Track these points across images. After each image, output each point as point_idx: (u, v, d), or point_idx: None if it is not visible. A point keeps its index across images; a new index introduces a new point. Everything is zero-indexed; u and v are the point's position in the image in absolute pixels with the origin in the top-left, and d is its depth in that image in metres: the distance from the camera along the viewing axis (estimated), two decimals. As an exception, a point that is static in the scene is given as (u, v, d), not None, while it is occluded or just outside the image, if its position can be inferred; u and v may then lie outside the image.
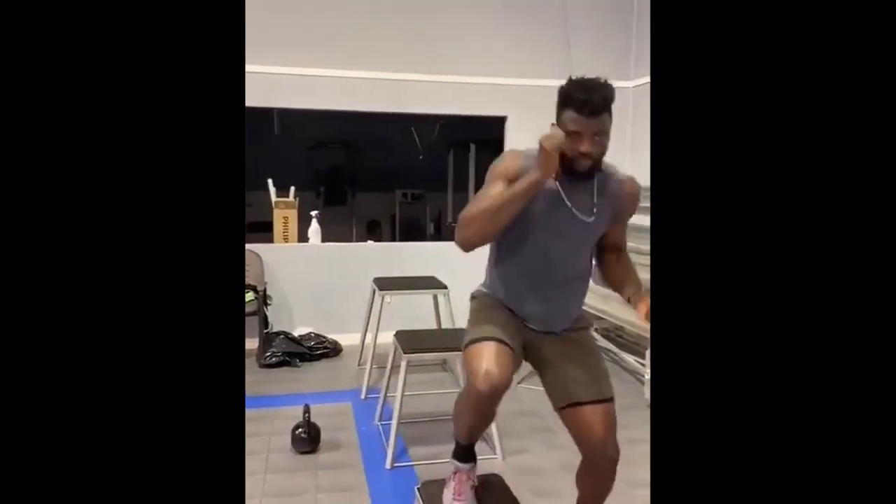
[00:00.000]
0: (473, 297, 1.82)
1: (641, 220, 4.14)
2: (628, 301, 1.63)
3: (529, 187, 1.51)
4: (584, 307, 1.77)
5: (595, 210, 1.62)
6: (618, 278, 1.71)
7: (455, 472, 1.81)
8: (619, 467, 2.52)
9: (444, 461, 2.06)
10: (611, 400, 1.69)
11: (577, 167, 1.53)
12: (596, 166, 1.57)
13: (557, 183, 1.58)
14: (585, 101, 1.48)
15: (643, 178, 4.57)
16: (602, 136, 1.52)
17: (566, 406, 1.68)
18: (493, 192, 1.57)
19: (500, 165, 1.63)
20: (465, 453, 1.83)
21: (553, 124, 1.56)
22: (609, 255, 1.75)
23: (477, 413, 1.67)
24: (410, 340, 2.71)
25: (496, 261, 1.74)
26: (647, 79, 4.56)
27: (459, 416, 1.75)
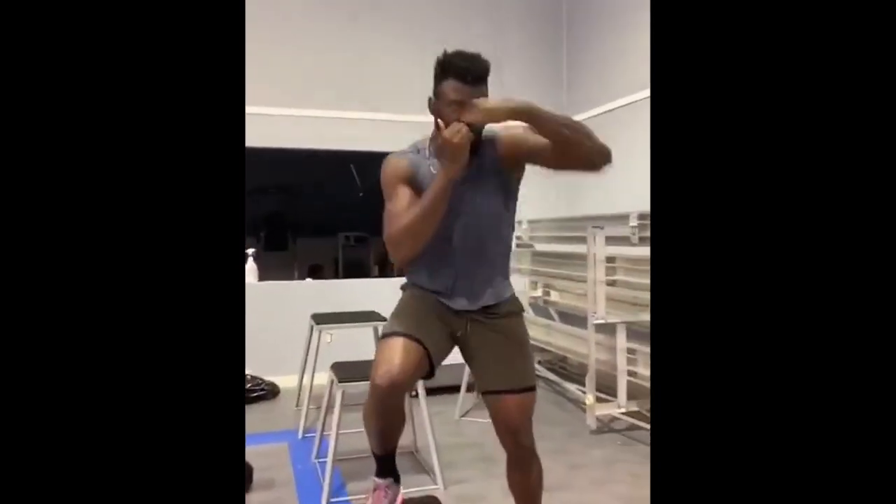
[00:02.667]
0: (403, 288, 1.81)
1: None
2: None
3: (447, 187, 1.51)
4: (527, 334, 1.77)
5: (486, 181, 1.64)
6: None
7: (374, 489, 1.74)
8: (562, 493, 2.52)
9: None
10: (529, 389, 1.70)
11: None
12: (479, 137, 1.57)
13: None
14: (467, 68, 1.50)
15: (577, 207, 4.63)
16: None
17: (485, 392, 1.71)
18: (404, 202, 1.58)
19: (390, 173, 1.64)
20: (383, 467, 1.77)
21: (430, 98, 1.59)
22: (552, 153, 1.61)
23: (379, 412, 1.63)
24: (347, 370, 2.63)
25: None
26: (579, 117, 4.73)
27: (367, 420, 1.72)
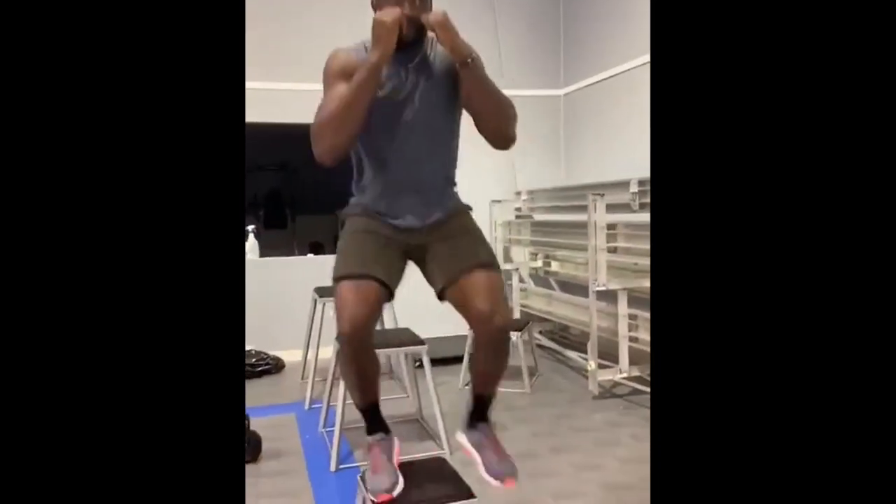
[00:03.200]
0: (344, 218, 1.73)
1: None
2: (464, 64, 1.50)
3: (372, 71, 1.44)
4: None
5: (435, 88, 1.58)
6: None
7: (369, 449, 1.74)
8: (567, 455, 2.56)
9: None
10: (490, 266, 1.62)
11: (405, 36, 1.48)
12: (421, 33, 1.53)
13: (389, 64, 1.53)
14: None
15: (577, 176, 4.63)
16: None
17: (447, 285, 1.61)
18: (336, 93, 1.49)
19: (333, 65, 1.56)
20: (371, 420, 1.75)
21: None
22: None
23: (351, 356, 1.60)
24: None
25: (360, 160, 1.68)
26: (576, 86, 4.71)
27: (344, 373, 1.69)
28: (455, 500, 1.66)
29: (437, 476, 1.77)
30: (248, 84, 4.19)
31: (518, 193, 4.74)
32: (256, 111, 4.31)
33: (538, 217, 4.56)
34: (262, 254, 4.42)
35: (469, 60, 1.49)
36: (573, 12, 4.80)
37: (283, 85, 4.32)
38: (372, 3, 1.59)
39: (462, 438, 1.78)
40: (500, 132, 1.62)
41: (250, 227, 4.37)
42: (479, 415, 1.76)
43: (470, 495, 1.66)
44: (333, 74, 1.54)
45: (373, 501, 1.60)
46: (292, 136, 6.60)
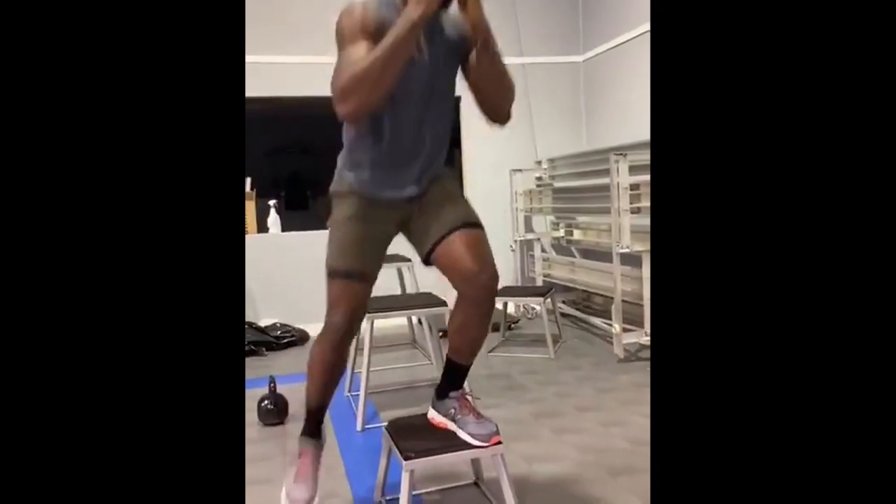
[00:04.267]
0: (333, 196, 1.68)
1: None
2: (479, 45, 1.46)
3: (413, 29, 1.33)
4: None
5: (442, 47, 1.53)
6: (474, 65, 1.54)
7: (300, 455, 1.74)
8: (592, 413, 2.55)
9: (417, 413, 2.01)
10: (474, 225, 1.59)
11: None
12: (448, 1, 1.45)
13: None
14: None
15: (598, 143, 4.57)
16: None
17: (432, 247, 1.59)
18: (362, 51, 1.39)
19: (352, 20, 1.43)
20: (312, 425, 1.77)
21: None
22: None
23: (334, 348, 1.64)
24: (374, 303, 2.67)
25: (367, 130, 1.58)
26: (595, 51, 4.63)
27: (315, 363, 1.71)
28: (482, 447, 1.64)
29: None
30: (265, 58, 4.20)
31: (539, 162, 4.70)
32: (276, 85, 4.33)
33: (559, 184, 4.52)
34: (284, 228, 4.44)
35: (490, 39, 1.45)
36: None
37: (296, 58, 4.31)
38: None
39: (433, 413, 1.71)
40: (501, 110, 1.60)
41: (272, 202, 4.39)
42: (452, 384, 1.69)
43: (497, 442, 1.62)
44: (353, 31, 1.44)
45: (391, 449, 1.62)
46: (313, 118, 6.60)
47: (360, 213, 1.62)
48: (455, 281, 1.59)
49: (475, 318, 1.61)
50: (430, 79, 1.53)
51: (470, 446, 1.63)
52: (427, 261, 1.63)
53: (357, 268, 1.60)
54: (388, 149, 1.57)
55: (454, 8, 1.47)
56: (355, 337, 1.64)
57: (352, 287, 1.60)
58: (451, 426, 1.66)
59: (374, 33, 1.41)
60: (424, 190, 1.64)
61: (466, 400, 1.68)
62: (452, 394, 1.68)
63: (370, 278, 1.64)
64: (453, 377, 1.69)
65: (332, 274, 1.62)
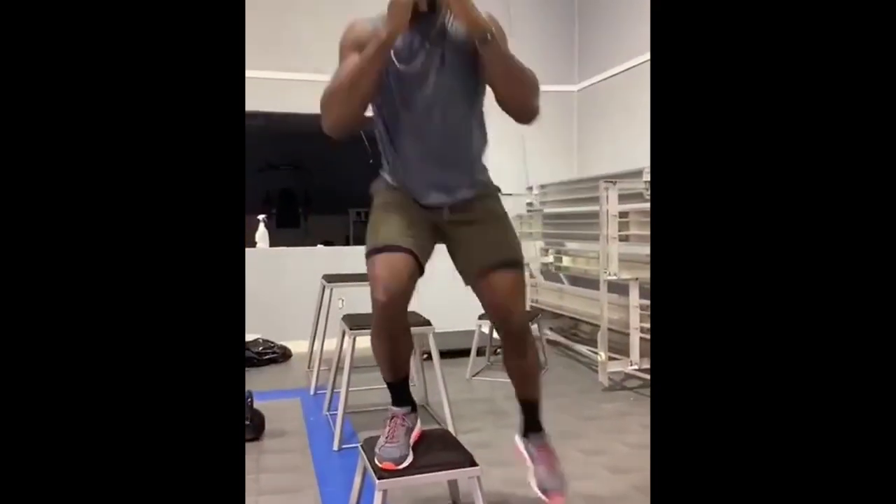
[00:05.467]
0: (373, 193, 1.72)
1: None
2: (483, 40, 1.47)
3: (381, 47, 1.42)
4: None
5: (442, 53, 1.53)
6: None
7: (391, 417, 1.72)
8: (576, 441, 2.51)
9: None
10: (516, 265, 1.65)
11: (420, 6, 1.44)
12: (437, 3, 1.49)
13: (406, 37, 1.50)
14: None
15: (589, 172, 4.59)
16: None
17: (475, 277, 1.65)
18: (346, 65, 1.49)
19: (349, 37, 1.54)
20: (397, 395, 1.74)
21: None
22: None
23: (386, 329, 1.60)
24: (356, 321, 2.64)
25: (383, 137, 1.65)
26: (590, 81, 4.68)
27: (375, 345, 1.68)
28: (458, 468, 1.62)
29: (441, 444, 1.73)
30: (265, 74, 4.22)
31: (530, 188, 4.71)
32: (272, 101, 4.33)
33: (549, 210, 4.52)
34: (273, 244, 4.41)
35: (488, 36, 1.45)
36: (588, 9, 4.79)
37: (305, 76, 4.33)
38: None
39: (518, 443, 1.85)
40: (524, 107, 1.59)
41: (261, 217, 4.37)
42: (530, 423, 1.81)
43: (472, 463, 1.62)
44: (347, 46, 1.53)
45: (377, 467, 1.57)
46: (305, 136, 6.61)
47: (394, 199, 1.65)
48: (491, 319, 1.72)
49: (513, 354, 1.74)
50: (436, 85, 1.54)
51: (446, 467, 1.60)
52: (466, 282, 1.71)
53: (388, 241, 1.56)
54: (407, 155, 1.62)
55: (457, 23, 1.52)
56: (405, 308, 1.57)
57: (385, 259, 1.53)
58: (528, 463, 1.79)
59: (363, 49, 1.46)
60: (462, 204, 1.65)
61: (547, 447, 1.79)
62: (533, 437, 1.80)
63: (406, 249, 1.55)
64: (525, 413, 1.82)
65: (367, 255, 1.59)
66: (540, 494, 1.69)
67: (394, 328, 1.61)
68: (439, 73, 1.54)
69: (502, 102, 1.57)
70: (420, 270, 1.59)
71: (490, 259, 1.62)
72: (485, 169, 1.73)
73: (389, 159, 1.67)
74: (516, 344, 1.71)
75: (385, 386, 1.75)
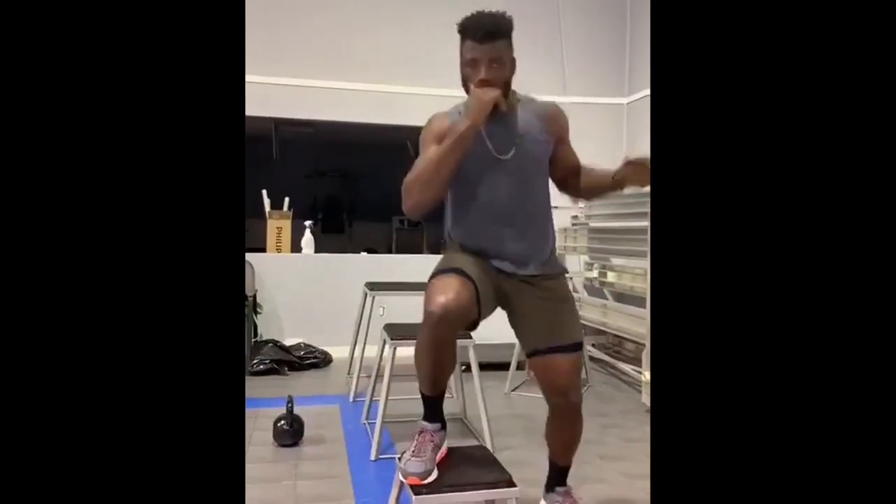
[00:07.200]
0: (442, 245, 1.84)
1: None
2: (613, 179, 1.70)
3: (461, 139, 1.54)
4: (581, 319, 1.76)
5: (517, 143, 1.64)
6: (590, 181, 1.77)
7: (420, 432, 1.71)
8: (617, 464, 2.44)
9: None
10: (574, 347, 1.73)
11: (500, 106, 1.56)
12: (510, 99, 1.61)
13: (483, 129, 1.60)
14: (477, 27, 1.56)
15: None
16: (499, 63, 1.57)
17: (531, 354, 1.74)
18: (427, 155, 1.61)
19: (430, 130, 1.67)
20: (430, 411, 1.74)
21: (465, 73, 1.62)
22: (572, 178, 1.79)
23: (432, 344, 1.60)
24: (397, 330, 2.64)
25: (452, 212, 1.76)
26: (641, 94, 4.60)
27: (419, 357, 1.68)
28: (496, 487, 1.59)
29: (480, 462, 1.71)
30: (317, 83, 4.29)
31: (576, 200, 4.64)
32: (322, 110, 4.41)
33: (595, 224, 4.45)
34: (318, 250, 4.47)
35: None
36: (642, 15, 4.72)
37: (347, 85, 4.39)
38: (462, 75, 1.63)
39: (543, 501, 1.90)
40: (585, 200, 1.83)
41: (308, 223, 4.43)
42: (557, 480, 1.88)
43: (510, 484, 1.59)
44: (428, 138, 1.65)
45: (402, 482, 1.56)
46: (354, 145, 6.72)
47: (467, 255, 1.72)
48: (546, 394, 1.79)
49: (566, 428, 1.82)
50: (506, 170, 1.65)
51: (484, 486, 1.58)
52: (527, 356, 1.79)
53: (456, 266, 1.61)
54: (480, 224, 1.72)
55: (538, 107, 1.71)
56: (455, 332, 1.63)
57: (448, 278, 1.57)
58: None
59: (443, 140, 1.60)
60: (529, 277, 1.71)
61: (571, 497, 1.85)
62: (559, 489, 1.86)
63: (472, 278, 1.59)
64: (555, 474, 1.88)
65: (432, 276, 1.64)
66: None
67: (440, 343, 1.61)
68: (510, 158, 1.65)
69: (566, 190, 1.81)
70: (478, 312, 1.61)
71: (554, 340, 1.70)
72: (554, 251, 1.82)
73: (464, 225, 1.74)
74: (569, 415, 1.79)
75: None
